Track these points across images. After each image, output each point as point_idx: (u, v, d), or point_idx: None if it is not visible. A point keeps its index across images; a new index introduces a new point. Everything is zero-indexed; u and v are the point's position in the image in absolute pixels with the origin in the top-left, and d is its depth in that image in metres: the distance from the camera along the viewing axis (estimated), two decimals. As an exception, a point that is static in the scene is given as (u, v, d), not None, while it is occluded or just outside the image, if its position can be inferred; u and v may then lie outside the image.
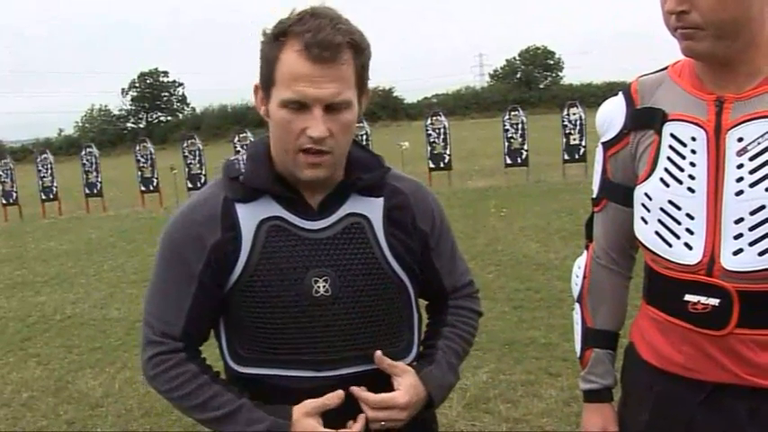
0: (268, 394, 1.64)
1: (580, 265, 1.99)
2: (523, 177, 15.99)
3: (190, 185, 17.45)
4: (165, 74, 69.95)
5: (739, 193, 1.57)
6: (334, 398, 1.60)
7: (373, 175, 1.68)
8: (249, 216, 1.61)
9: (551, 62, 76.46)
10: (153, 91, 69.37)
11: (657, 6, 1.63)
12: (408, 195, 1.72)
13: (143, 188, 18.26)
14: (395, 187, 1.71)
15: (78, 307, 8.14)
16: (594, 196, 1.90)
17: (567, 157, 16.45)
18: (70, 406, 5.23)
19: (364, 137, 17.50)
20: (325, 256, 1.61)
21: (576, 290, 1.99)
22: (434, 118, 17.30)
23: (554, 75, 76.31)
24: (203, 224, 1.61)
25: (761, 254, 1.54)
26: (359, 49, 1.54)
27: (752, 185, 1.56)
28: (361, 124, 17.83)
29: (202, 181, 17.16)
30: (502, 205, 12.76)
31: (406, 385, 1.65)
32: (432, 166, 16.94)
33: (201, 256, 1.60)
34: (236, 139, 18.28)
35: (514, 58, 76.64)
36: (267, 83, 1.56)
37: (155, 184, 18.07)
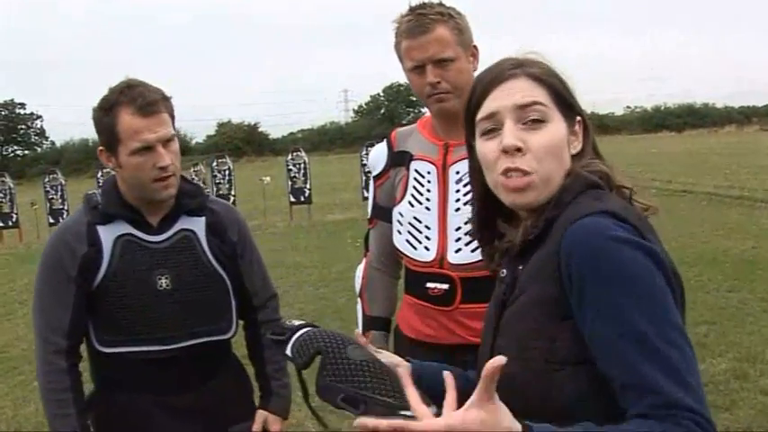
0: (126, 367, 2.19)
1: (360, 269, 2.63)
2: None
3: (51, 221, 17.21)
4: (22, 105, 67.30)
5: (458, 209, 2.21)
6: None
7: (197, 200, 2.28)
8: (107, 234, 2.18)
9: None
10: (8, 123, 66.56)
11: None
12: (221, 214, 2.32)
13: (1, 224, 17.90)
14: (212, 209, 2.30)
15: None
16: (369, 217, 2.55)
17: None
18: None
19: (227, 172, 17.88)
20: (165, 260, 2.19)
21: (357, 288, 2.63)
22: (295, 153, 17.86)
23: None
24: (73, 241, 2.17)
25: (473, 251, 2.03)
26: (166, 100, 2.17)
27: (465, 204, 2.17)
28: (223, 159, 18.26)
29: (64, 216, 17.02)
30: (357, 236, 13.45)
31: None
32: (292, 200, 17.35)
33: (75, 264, 2.16)
34: (100, 174, 18.32)
35: (378, 94, 78.27)
36: (112, 143, 2.13)
37: (14, 219, 17.76)
